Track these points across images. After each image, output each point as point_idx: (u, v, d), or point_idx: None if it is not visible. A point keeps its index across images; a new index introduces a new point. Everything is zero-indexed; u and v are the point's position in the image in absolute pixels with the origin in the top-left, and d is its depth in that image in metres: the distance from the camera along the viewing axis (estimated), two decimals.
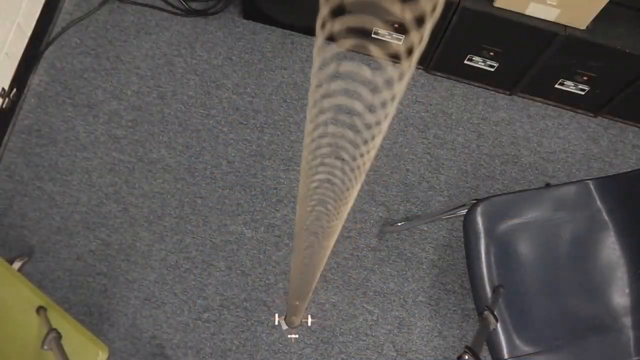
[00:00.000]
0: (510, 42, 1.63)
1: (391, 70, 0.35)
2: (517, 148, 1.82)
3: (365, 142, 0.42)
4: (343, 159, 0.45)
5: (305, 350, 1.58)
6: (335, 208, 0.54)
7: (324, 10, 0.33)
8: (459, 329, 1.64)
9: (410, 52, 0.33)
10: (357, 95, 0.39)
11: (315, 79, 0.37)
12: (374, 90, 0.37)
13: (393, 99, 0.37)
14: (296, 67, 1.83)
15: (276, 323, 1.56)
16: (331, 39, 0.36)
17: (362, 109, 0.39)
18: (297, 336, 1.57)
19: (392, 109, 0.38)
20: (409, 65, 0.34)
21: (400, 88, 0.36)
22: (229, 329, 1.58)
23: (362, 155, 0.43)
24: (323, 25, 0.34)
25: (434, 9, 0.31)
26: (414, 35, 0.32)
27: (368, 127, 0.40)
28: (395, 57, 0.36)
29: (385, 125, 0.40)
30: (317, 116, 0.41)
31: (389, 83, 0.36)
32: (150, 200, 1.66)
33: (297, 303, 1.13)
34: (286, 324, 1.53)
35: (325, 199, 0.52)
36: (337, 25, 0.34)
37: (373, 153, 0.43)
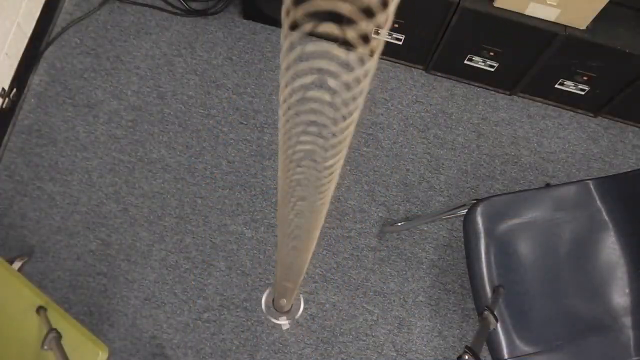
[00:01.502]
0: (510, 42, 1.63)
1: (362, 49, 0.36)
2: (517, 148, 1.82)
3: (344, 117, 0.42)
4: (323, 137, 0.45)
5: (305, 350, 1.58)
6: (319, 186, 0.54)
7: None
8: (459, 329, 1.64)
9: (373, 35, 0.34)
10: (331, 74, 0.39)
11: (284, 62, 0.38)
12: (347, 67, 0.38)
13: (366, 75, 0.37)
14: None
15: (263, 306, 1.56)
16: (294, 27, 0.37)
17: (337, 86, 0.39)
18: (287, 322, 1.57)
19: (365, 85, 0.38)
20: (371, 50, 0.35)
21: (371, 64, 0.36)
22: (229, 329, 1.58)
23: (342, 131, 0.44)
24: (287, 13, 0.35)
25: None
26: (365, 22, 0.33)
27: (345, 103, 0.40)
28: (363, 39, 0.36)
29: (360, 100, 0.40)
30: (290, 97, 0.41)
31: (360, 61, 0.37)
32: (150, 200, 1.66)
33: (288, 284, 1.12)
34: (275, 307, 1.52)
35: (308, 177, 0.53)
36: (300, 11, 0.34)
37: (352, 128, 0.44)
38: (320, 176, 0.51)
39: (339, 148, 0.46)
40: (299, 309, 1.59)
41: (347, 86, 0.39)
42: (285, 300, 1.45)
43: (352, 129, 0.44)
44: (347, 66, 0.38)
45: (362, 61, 0.37)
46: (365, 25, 0.34)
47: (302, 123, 0.44)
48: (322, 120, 0.43)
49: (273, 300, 1.53)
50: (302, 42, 0.37)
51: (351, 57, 0.37)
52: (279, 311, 1.55)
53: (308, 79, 0.39)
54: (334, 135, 0.45)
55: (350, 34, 0.36)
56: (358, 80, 0.38)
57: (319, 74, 0.37)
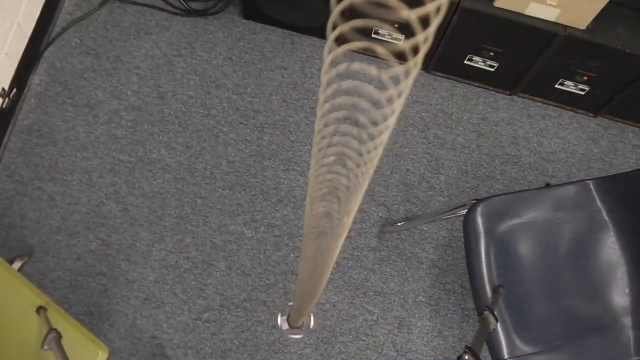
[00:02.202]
0: (510, 42, 1.63)
1: (397, 68, 0.36)
2: (517, 148, 1.82)
3: (372, 138, 0.42)
4: (349, 157, 0.45)
5: (305, 350, 1.58)
6: (343, 207, 0.54)
7: (335, 12, 0.34)
8: (459, 329, 1.64)
9: (415, 51, 0.34)
10: (365, 93, 0.39)
11: (325, 77, 0.38)
12: (381, 87, 0.37)
13: (399, 95, 0.37)
14: (296, 67, 1.83)
15: (279, 324, 1.57)
16: (337, 40, 0.37)
17: (369, 106, 0.39)
18: (301, 336, 1.58)
19: (398, 106, 0.38)
20: (415, 64, 0.34)
21: (406, 85, 0.36)
22: (229, 329, 1.58)
23: (368, 152, 0.43)
24: (334, 27, 0.35)
25: (438, 10, 0.31)
26: (420, 36, 0.32)
27: (374, 123, 0.40)
28: (400, 57, 0.36)
29: (391, 121, 0.40)
30: (327, 114, 0.41)
31: (395, 80, 0.36)
32: (150, 200, 1.66)
33: (304, 304, 1.13)
34: (289, 324, 1.53)
35: (332, 199, 0.53)
36: (346, 26, 0.34)
37: (380, 150, 0.44)
38: (344, 196, 0.51)
39: (364, 178, 0.46)
40: (310, 321, 1.59)
41: (380, 107, 0.39)
42: (299, 318, 1.47)
43: (379, 154, 0.44)
44: (382, 86, 0.38)
45: (396, 80, 0.36)
46: (404, 45, 0.34)
47: (335, 145, 0.44)
48: (352, 144, 0.43)
49: (288, 318, 1.54)
50: (345, 59, 0.37)
51: (385, 76, 0.37)
52: (293, 327, 1.56)
53: (347, 99, 0.39)
54: (360, 155, 0.45)
55: (386, 52, 0.35)
56: (391, 101, 0.38)
57: (357, 93, 0.37)
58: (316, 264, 0.72)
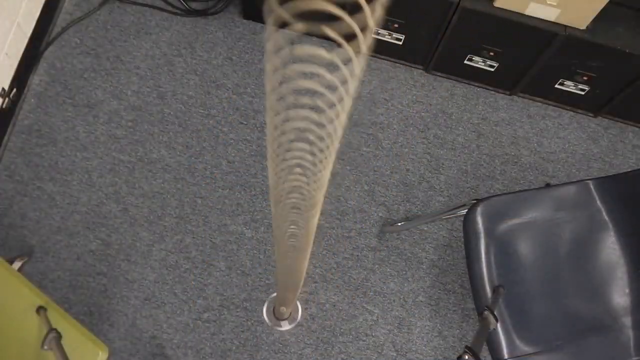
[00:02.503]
0: (510, 42, 1.63)
1: (348, 48, 0.36)
2: (517, 148, 1.82)
3: (331, 120, 0.42)
4: (311, 142, 0.45)
5: (305, 350, 1.58)
6: (309, 192, 0.54)
7: None
8: (459, 329, 1.64)
9: (363, 30, 0.34)
10: (316, 76, 0.39)
11: (270, 65, 0.38)
12: (333, 69, 0.37)
13: (352, 74, 0.37)
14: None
15: (264, 317, 1.57)
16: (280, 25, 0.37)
17: (323, 89, 0.39)
18: (289, 327, 1.57)
19: (352, 86, 0.38)
20: (365, 43, 0.34)
21: (357, 66, 0.36)
22: (229, 329, 1.58)
23: (329, 135, 0.43)
24: (271, 11, 0.35)
25: None
26: (368, 19, 0.33)
27: (331, 105, 0.40)
28: (349, 37, 0.36)
29: (348, 102, 0.40)
30: (277, 102, 0.41)
31: (346, 61, 0.36)
32: (150, 200, 1.66)
33: (288, 294, 1.13)
34: (275, 315, 1.53)
35: (299, 185, 0.52)
36: (286, 10, 0.34)
37: (340, 131, 0.43)
38: (310, 181, 0.51)
39: (327, 152, 0.46)
40: (297, 313, 1.59)
41: (334, 88, 0.38)
42: (284, 308, 1.47)
43: (339, 133, 0.44)
44: (333, 66, 0.38)
45: (348, 63, 0.36)
46: (351, 23, 0.34)
47: (291, 130, 0.43)
48: (310, 126, 0.43)
49: (274, 309, 1.55)
50: (289, 42, 0.37)
51: (335, 56, 0.37)
52: (279, 318, 1.56)
53: (295, 83, 0.39)
54: (321, 139, 0.44)
55: (335, 32, 0.35)
56: (345, 81, 0.38)
57: (305, 76, 0.37)
58: (294, 246, 0.72)
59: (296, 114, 0.41)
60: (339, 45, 0.36)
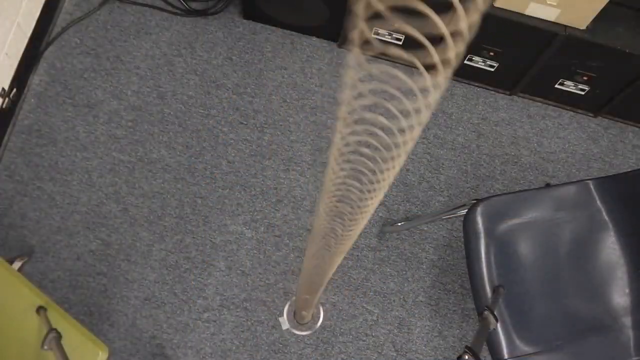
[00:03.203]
0: (510, 42, 1.63)
1: (427, 79, 0.35)
2: (517, 148, 1.82)
3: (396, 146, 0.41)
4: (372, 160, 0.44)
5: (305, 350, 1.58)
6: (357, 208, 0.53)
7: (359, 16, 0.33)
8: (459, 329, 1.64)
9: (445, 62, 0.33)
10: (391, 98, 0.38)
11: (349, 79, 0.37)
12: (408, 95, 0.37)
13: (427, 106, 0.36)
14: (296, 67, 1.83)
15: (284, 327, 1.57)
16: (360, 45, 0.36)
17: (396, 112, 0.38)
18: (309, 332, 1.57)
19: (425, 117, 0.37)
20: (445, 77, 0.34)
21: (434, 97, 0.36)
22: (229, 329, 1.58)
23: (392, 159, 0.43)
24: (360, 34, 0.34)
25: (471, 26, 0.31)
26: (451, 48, 0.32)
27: (401, 131, 0.39)
28: (428, 67, 0.35)
29: (417, 131, 0.39)
30: (349, 116, 0.40)
31: (423, 91, 0.36)
32: (150, 200, 1.66)
33: (308, 297, 1.13)
34: (296, 320, 1.53)
35: (349, 197, 0.52)
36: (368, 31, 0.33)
37: (403, 158, 0.43)
38: (363, 197, 0.51)
39: (387, 175, 0.46)
40: (319, 317, 1.59)
41: (407, 114, 0.38)
42: (305, 313, 1.47)
43: (402, 160, 0.44)
44: (411, 94, 0.37)
45: (426, 92, 0.36)
46: (440, 55, 0.33)
47: (355, 143, 0.43)
48: (375, 144, 0.42)
49: (294, 314, 1.54)
50: (369, 62, 0.36)
51: (419, 84, 0.36)
52: (300, 323, 1.56)
53: (368, 100, 0.39)
54: (385, 162, 0.44)
55: (421, 61, 0.35)
56: (419, 110, 0.37)
57: (381, 97, 0.37)
58: (322, 259, 0.72)
59: (365, 129, 0.41)
60: (419, 71, 0.35)
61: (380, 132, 0.41)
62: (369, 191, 0.49)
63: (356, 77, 0.37)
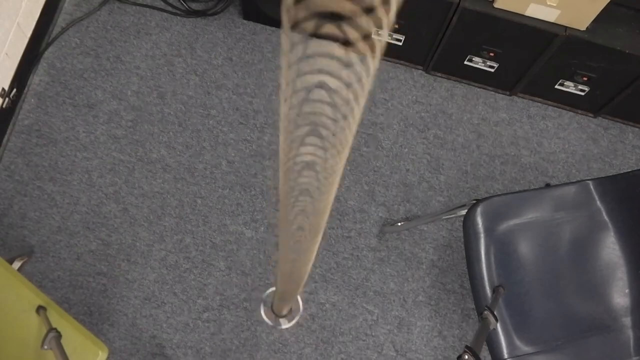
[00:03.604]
0: (510, 42, 1.63)
1: (363, 48, 0.36)
2: (517, 148, 1.82)
3: (345, 117, 0.42)
4: (322, 137, 0.45)
5: (305, 350, 1.58)
6: (320, 189, 0.53)
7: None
8: (459, 329, 1.64)
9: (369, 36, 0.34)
10: (331, 73, 0.39)
11: (285, 61, 0.38)
12: (348, 66, 0.37)
13: (367, 73, 0.37)
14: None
15: (262, 315, 1.56)
16: (294, 27, 0.37)
17: (338, 85, 0.39)
18: (289, 325, 1.57)
19: (367, 84, 0.38)
20: (379, 43, 0.34)
21: (373, 65, 0.36)
22: (229, 329, 1.58)
23: (343, 130, 0.43)
24: (288, 12, 0.35)
25: None
26: (384, 21, 0.33)
27: (346, 102, 0.40)
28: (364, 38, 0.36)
29: (362, 100, 0.40)
30: (291, 97, 0.41)
31: (362, 60, 0.36)
32: (150, 200, 1.66)
33: (288, 291, 1.12)
34: (274, 312, 1.53)
35: (309, 181, 0.52)
36: (301, 11, 0.34)
37: (354, 128, 0.43)
38: (321, 177, 0.51)
39: (339, 148, 0.46)
40: (298, 311, 1.59)
41: (349, 85, 0.39)
42: (284, 305, 1.46)
43: (353, 128, 0.44)
44: (349, 66, 0.38)
45: (363, 60, 0.36)
46: (367, 25, 0.34)
47: (304, 124, 0.43)
48: (324, 121, 0.43)
49: (272, 305, 1.54)
50: (303, 42, 0.37)
51: (353, 56, 0.37)
52: (278, 315, 1.55)
53: (310, 79, 0.39)
54: (334, 135, 0.44)
55: (352, 33, 0.35)
56: (360, 79, 0.38)
57: (321, 73, 0.37)
58: (299, 244, 0.71)
59: (311, 109, 0.41)
60: (351, 46, 0.36)
61: (327, 109, 0.41)
62: (325, 170, 0.49)
63: (293, 58, 0.37)
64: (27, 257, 1.57)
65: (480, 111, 1.85)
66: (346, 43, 0.37)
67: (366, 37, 0.35)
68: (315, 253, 0.75)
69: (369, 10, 0.33)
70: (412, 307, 1.64)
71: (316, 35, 0.37)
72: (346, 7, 0.33)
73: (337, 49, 0.36)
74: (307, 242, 0.68)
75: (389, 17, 0.33)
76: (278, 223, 0.66)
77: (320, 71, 0.38)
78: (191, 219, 1.66)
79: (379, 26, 0.34)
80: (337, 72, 0.38)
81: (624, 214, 1.26)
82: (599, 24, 1.52)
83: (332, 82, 0.39)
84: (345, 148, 0.46)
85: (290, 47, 0.37)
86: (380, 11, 0.32)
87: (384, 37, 0.35)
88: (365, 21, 0.34)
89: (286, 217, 0.62)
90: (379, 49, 0.36)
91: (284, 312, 1.56)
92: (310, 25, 0.36)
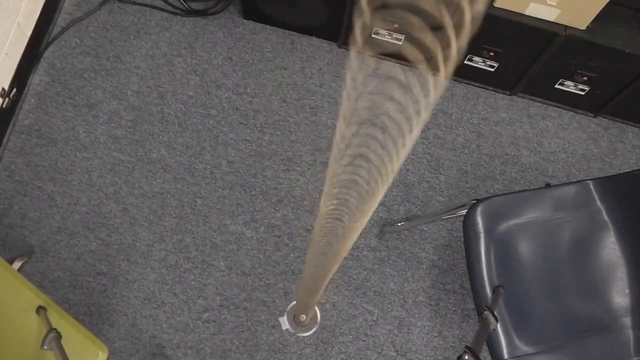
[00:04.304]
0: (510, 42, 1.63)
1: (428, 77, 0.35)
2: (517, 148, 1.82)
3: (395, 146, 0.41)
4: (371, 161, 0.44)
5: (305, 350, 1.58)
6: (357, 208, 0.53)
7: (362, 18, 0.33)
8: (459, 329, 1.64)
9: (446, 60, 0.33)
10: (391, 99, 0.38)
11: (350, 79, 0.37)
12: (409, 94, 0.37)
13: (427, 106, 0.36)
14: (296, 67, 1.83)
15: (284, 327, 1.57)
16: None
17: (396, 113, 0.38)
18: (309, 333, 1.58)
19: (425, 115, 0.37)
20: (445, 74, 0.34)
21: (435, 95, 0.35)
22: (229, 329, 1.58)
23: (391, 160, 0.43)
24: (362, 30, 0.34)
25: (473, 20, 0.30)
26: (453, 44, 0.32)
27: (400, 131, 0.39)
28: (430, 64, 0.35)
29: (417, 131, 0.39)
30: (350, 116, 0.40)
31: (424, 89, 0.36)
32: (150, 200, 1.66)
33: (309, 299, 1.13)
34: (296, 322, 1.53)
35: (348, 198, 0.52)
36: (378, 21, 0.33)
37: (403, 156, 0.43)
38: (363, 200, 0.51)
39: (387, 174, 0.46)
40: (317, 318, 1.59)
41: (406, 112, 0.38)
42: (305, 316, 1.47)
43: (402, 160, 0.44)
44: (408, 90, 0.37)
45: (427, 92, 0.35)
46: (434, 45, 0.33)
47: (356, 145, 0.43)
48: (376, 147, 0.42)
49: (294, 317, 1.54)
50: (371, 62, 0.36)
51: (415, 81, 0.36)
52: (299, 325, 1.56)
53: (372, 100, 0.39)
54: (384, 164, 0.44)
55: (424, 62, 0.34)
56: (419, 112, 0.37)
57: (386, 97, 0.37)
58: (325, 257, 0.72)
59: (365, 131, 0.41)
60: (420, 69, 0.35)
61: (379, 134, 0.41)
62: (367, 193, 0.49)
63: (358, 77, 0.37)
64: (27, 257, 1.57)
65: (480, 111, 1.85)
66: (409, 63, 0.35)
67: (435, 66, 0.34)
68: (336, 267, 0.75)
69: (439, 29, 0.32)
70: (412, 307, 1.64)
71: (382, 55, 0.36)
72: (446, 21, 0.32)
73: (402, 75, 0.35)
74: (334, 255, 0.68)
75: (460, 44, 0.32)
76: (311, 233, 0.66)
77: (387, 95, 0.37)
78: (191, 219, 1.66)
79: (449, 54, 0.33)
80: (399, 99, 0.37)
81: (624, 214, 1.26)
82: (598, 23, 1.52)
83: (391, 108, 0.38)
84: (390, 174, 0.46)
85: (360, 65, 0.36)
86: (453, 37, 0.32)
87: (451, 65, 0.34)
88: (436, 45, 0.33)
89: (318, 231, 0.62)
90: (446, 76, 0.35)
91: (306, 322, 1.56)
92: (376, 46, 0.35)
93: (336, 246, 0.66)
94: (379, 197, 0.51)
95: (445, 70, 0.34)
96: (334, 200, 0.54)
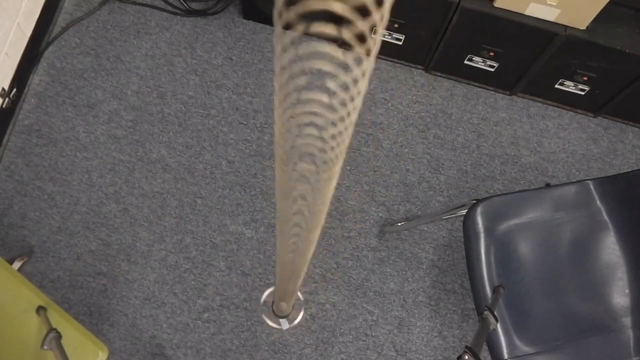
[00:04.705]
0: (510, 42, 1.63)
1: (358, 49, 0.36)
2: (517, 148, 1.82)
3: (342, 119, 0.42)
4: (321, 139, 0.45)
5: (305, 350, 1.58)
6: (318, 186, 0.53)
7: (279, 1, 0.34)
8: (459, 329, 1.64)
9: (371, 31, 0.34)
10: (329, 75, 0.39)
11: (278, 63, 0.38)
12: (344, 68, 0.37)
13: (363, 75, 0.37)
14: None
15: (284, 327, 1.57)
16: (287, 27, 0.37)
17: (335, 87, 0.39)
18: (288, 326, 1.57)
19: (363, 85, 0.38)
20: (373, 44, 0.34)
21: (369, 64, 0.36)
22: (229, 329, 1.58)
23: (340, 133, 0.43)
24: (280, 15, 0.35)
25: None
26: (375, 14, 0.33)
27: (343, 104, 0.40)
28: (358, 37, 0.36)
29: (359, 101, 0.40)
30: (285, 100, 0.41)
31: (357, 61, 0.36)
32: (150, 200, 1.66)
33: (288, 287, 1.12)
34: (274, 312, 1.53)
35: (306, 178, 0.52)
36: (293, 12, 0.34)
37: (350, 129, 0.43)
38: (319, 178, 0.51)
39: (337, 150, 0.46)
40: (299, 312, 1.59)
41: (345, 87, 0.39)
42: (285, 304, 1.46)
43: (350, 130, 0.44)
44: (344, 67, 0.38)
45: (359, 61, 0.36)
46: (361, 25, 0.34)
47: (300, 125, 0.43)
48: (321, 122, 0.43)
49: (272, 304, 1.54)
50: (297, 43, 0.37)
51: (348, 57, 0.37)
52: (279, 315, 1.55)
53: (303, 81, 0.39)
54: (332, 137, 0.44)
55: (346, 34, 0.35)
56: (356, 81, 0.38)
57: (316, 75, 0.37)
58: (295, 244, 0.71)
59: (307, 109, 0.41)
60: (347, 46, 0.36)
61: (322, 110, 0.41)
62: (324, 171, 0.49)
63: (287, 58, 0.37)
64: (27, 257, 1.57)
65: (480, 111, 1.85)
66: (341, 44, 0.37)
67: (361, 37, 0.35)
68: (314, 243, 0.75)
69: (363, 10, 0.33)
70: (412, 307, 1.64)
71: (309, 35, 0.37)
72: (338, 7, 0.33)
73: (333, 50, 0.36)
74: (306, 232, 0.68)
75: (382, 17, 0.33)
76: (277, 214, 0.66)
77: (317, 72, 0.38)
78: (191, 219, 1.66)
79: (374, 26, 0.34)
80: (334, 74, 0.38)
81: (624, 214, 1.26)
82: (598, 23, 1.52)
83: (329, 84, 0.39)
84: (342, 149, 0.46)
85: (283, 48, 0.37)
86: (374, 11, 0.32)
87: (378, 37, 0.35)
88: (359, 21, 0.34)
89: (284, 212, 0.62)
90: (374, 49, 0.36)
91: (285, 312, 1.55)
92: (303, 27, 0.36)
93: (305, 230, 0.66)
94: (337, 171, 0.51)
95: (370, 46, 0.35)
96: (292, 183, 0.54)
